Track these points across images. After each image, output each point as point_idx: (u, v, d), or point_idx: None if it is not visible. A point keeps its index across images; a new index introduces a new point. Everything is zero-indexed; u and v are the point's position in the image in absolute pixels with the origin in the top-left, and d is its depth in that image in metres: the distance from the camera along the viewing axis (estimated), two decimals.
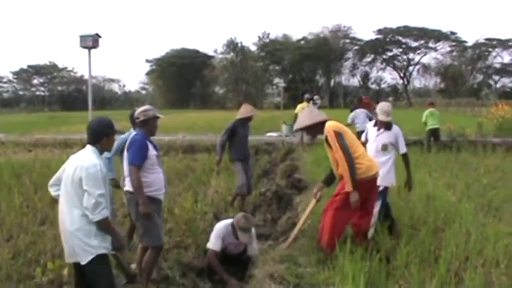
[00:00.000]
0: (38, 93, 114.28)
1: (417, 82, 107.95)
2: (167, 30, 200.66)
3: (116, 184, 7.88)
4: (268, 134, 24.76)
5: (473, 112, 49.28)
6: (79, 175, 4.71)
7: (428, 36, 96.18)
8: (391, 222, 7.66)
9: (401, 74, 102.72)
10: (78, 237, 4.75)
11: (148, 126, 6.50)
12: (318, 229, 7.19)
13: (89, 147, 4.98)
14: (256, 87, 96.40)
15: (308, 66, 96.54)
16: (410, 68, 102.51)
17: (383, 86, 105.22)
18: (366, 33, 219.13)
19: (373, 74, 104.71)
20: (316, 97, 21.48)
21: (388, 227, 7.41)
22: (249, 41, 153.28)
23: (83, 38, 26.00)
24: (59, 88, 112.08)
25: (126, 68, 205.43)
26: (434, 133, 19.00)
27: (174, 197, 10.41)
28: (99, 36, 26.51)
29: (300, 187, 12.00)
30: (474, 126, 24.09)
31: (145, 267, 6.32)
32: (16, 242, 7.68)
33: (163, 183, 6.57)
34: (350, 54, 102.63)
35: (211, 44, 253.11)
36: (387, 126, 7.90)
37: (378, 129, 7.95)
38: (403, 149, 8.03)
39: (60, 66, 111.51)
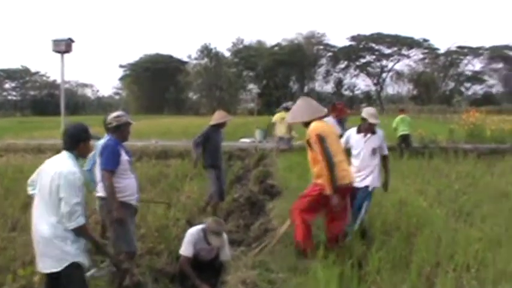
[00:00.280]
0: (9, 97, 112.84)
1: (390, 89, 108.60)
2: (141, 35, 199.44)
3: None
4: (242, 140, 24.72)
5: (445, 119, 49.77)
6: (57, 182, 4.64)
7: (401, 43, 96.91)
8: (363, 228, 7.74)
9: (375, 81, 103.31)
10: (55, 244, 4.67)
11: (120, 132, 6.50)
12: (289, 234, 7.25)
13: (65, 154, 4.89)
14: (230, 93, 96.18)
15: (282, 72, 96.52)
16: (384, 75, 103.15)
17: (356, 92, 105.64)
18: (340, 40, 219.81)
19: (347, 81, 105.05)
20: (289, 103, 21.52)
21: (361, 232, 7.48)
22: (223, 47, 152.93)
23: (56, 42, 25.72)
24: (31, 93, 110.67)
25: (99, 73, 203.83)
26: (405, 139, 19.16)
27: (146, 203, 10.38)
28: (72, 41, 26.25)
29: (272, 193, 12.00)
30: (446, 132, 24.35)
31: (117, 274, 6.28)
32: None
33: (136, 189, 6.55)
34: (324, 61, 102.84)
35: (185, 50, 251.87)
36: (373, 130, 8.03)
37: (365, 135, 8.08)
38: (385, 151, 8.30)
39: (33, 70, 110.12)
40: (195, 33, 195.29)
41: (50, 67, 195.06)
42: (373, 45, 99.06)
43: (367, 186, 7.99)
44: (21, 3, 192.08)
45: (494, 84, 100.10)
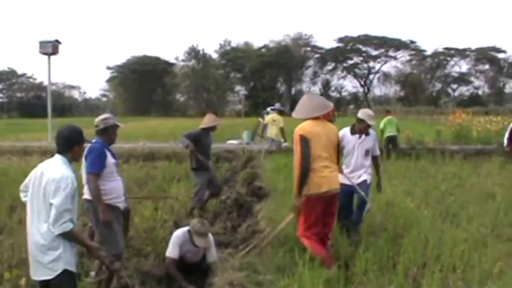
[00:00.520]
0: None
1: (377, 90, 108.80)
2: (128, 37, 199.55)
3: None
4: (229, 142, 24.70)
5: (432, 120, 50.03)
6: (48, 188, 4.53)
7: (388, 45, 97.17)
8: (349, 228, 7.75)
9: (362, 82, 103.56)
10: (46, 252, 4.58)
11: (108, 134, 6.53)
12: (278, 236, 7.28)
13: (58, 158, 4.76)
14: (217, 94, 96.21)
15: (269, 74, 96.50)
16: (371, 76, 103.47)
17: (344, 94, 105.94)
18: (327, 41, 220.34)
19: (334, 82, 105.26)
20: (277, 104, 21.53)
21: (347, 233, 7.50)
22: (211, 49, 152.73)
23: (43, 44, 25.66)
24: (18, 95, 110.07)
25: (86, 75, 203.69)
26: (392, 140, 19.20)
27: (134, 205, 10.30)
28: (59, 43, 26.20)
29: (260, 195, 12.00)
30: (433, 134, 24.41)
31: (104, 277, 6.28)
32: None
33: (123, 191, 6.55)
34: (311, 62, 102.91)
35: (172, 51, 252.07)
36: (367, 131, 8.02)
37: (360, 137, 8.05)
38: (377, 152, 8.37)
39: (19, 72, 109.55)
40: (182, 35, 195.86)
41: (36, 69, 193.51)
42: (361, 46, 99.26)
43: (365, 180, 8.01)
44: (7, 4, 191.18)
45: (480, 86, 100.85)
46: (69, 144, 4.79)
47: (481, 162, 16.99)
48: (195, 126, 10.65)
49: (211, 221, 9.86)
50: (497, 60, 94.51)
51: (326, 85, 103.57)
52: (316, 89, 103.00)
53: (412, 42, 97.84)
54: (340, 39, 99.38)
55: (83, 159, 6.41)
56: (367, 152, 8.09)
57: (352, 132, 8.17)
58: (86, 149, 6.36)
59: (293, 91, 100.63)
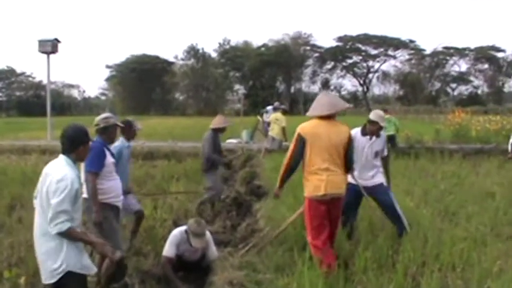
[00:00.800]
0: None
1: (377, 89, 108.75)
2: (127, 36, 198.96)
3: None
4: (228, 141, 24.66)
5: (431, 119, 49.96)
6: (50, 189, 4.50)
7: (388, 44, 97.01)
8: (351, 229, 7.73)
9: (361, 81, 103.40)
10: (50, 255, 4.56)
11: (107, 133, 6.56)
12: (277, 235, 7.28)
13: (62, 158, 4.71)
14: (216, 93, 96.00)
15: (268, 73, 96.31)
16: (370, 75, 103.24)
17: (343, 93, 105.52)
18: (326, 40, 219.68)
19: (333, 81, 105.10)
20: (276, 103, 21.50)
21: (347, 232, 7.50)
22: (210, 48, 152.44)
23: (42, 42, 25.68)
24: (17, 93, 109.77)
25: (85, 74, 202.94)
26: (391, 140, 19.18)
27: None
28: (58, 41, 26.22)
29: (259, 194, 12.02)
30: (432, 133, 24.46)
31: (104, 275, 6.28)
32: None
33: (121, 190, 6.56)
34: (310, 61, 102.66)
35: (172, 50, 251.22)
36: (378, 133, 7.94)
37: (370, 138, 7.93)
38: (385, 153, 8.26)
39: (18, 71, 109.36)
40: (181, 34, 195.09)
41: (36, 68, 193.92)
42: (360, 45, 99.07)
43: (381, 183, 7.94)
44: (6, 3, 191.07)
45: (479, 85, 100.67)
46: (74, 144, 4.73)
47: (480, 161, 17.04)
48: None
49: (210, 220, 9.88)
50: (497, 60, 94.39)
51: (325, 84, 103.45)
52: (316, 87, 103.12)
53: (412, 41, 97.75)
54: (340, 39, 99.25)
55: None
56: (376, 154, 7.94)
57: (363, 133, 7.98)
58: None
59: (292, 90, 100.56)
